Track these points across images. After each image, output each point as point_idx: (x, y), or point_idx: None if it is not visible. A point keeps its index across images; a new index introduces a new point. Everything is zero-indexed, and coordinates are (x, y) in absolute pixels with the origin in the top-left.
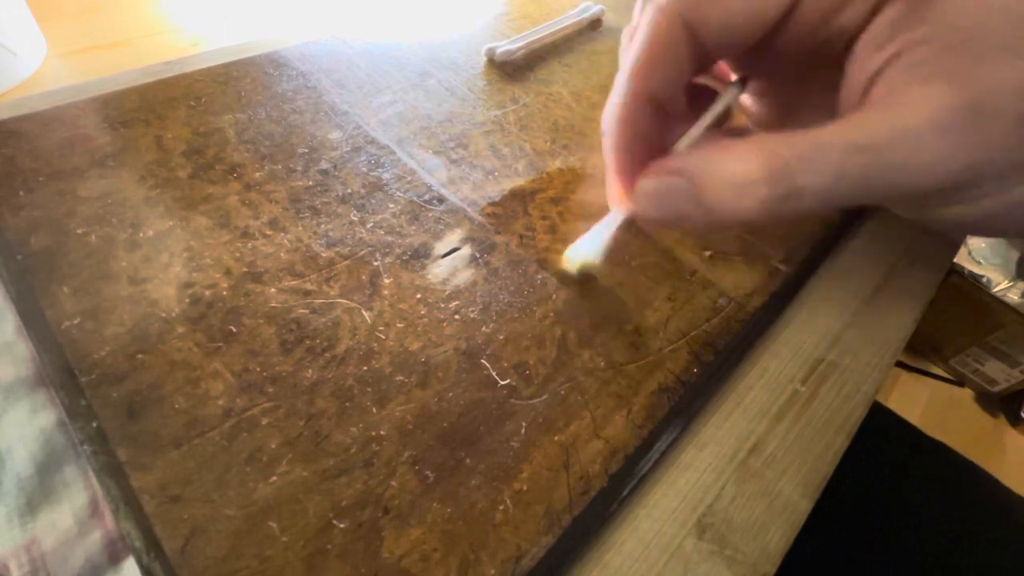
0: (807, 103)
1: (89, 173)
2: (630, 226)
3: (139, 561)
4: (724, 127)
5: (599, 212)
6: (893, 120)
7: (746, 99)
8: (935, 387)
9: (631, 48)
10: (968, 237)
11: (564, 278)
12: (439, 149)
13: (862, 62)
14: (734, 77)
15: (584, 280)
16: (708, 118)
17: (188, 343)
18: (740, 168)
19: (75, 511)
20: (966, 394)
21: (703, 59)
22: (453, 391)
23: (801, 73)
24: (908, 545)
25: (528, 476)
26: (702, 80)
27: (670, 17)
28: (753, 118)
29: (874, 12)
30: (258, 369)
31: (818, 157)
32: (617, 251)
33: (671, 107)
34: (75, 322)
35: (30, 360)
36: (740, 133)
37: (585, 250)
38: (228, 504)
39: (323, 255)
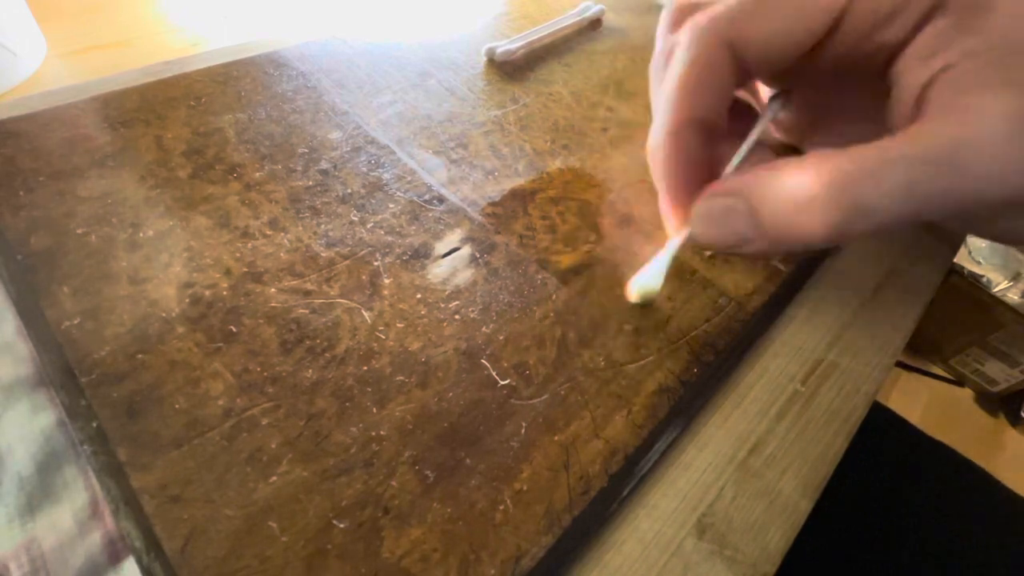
0: (839, 112)
1: (89, 173)
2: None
3: (139, 561)
4: (764, 143)
5: (598, 212)
6: (958, 129)
7: (783, 114)
8: (935, 387)
9: (670, 71)
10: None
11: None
12: (439, 149)
13: (910, 74)
14: (769, 91)
15: (644, 304)
16: (755, 135)
17: (188, 343)
18: (798, 184)
19: (75, 511)
20: (966, 394)
21: (745, 78)
22: (453, 391)
23: (840, 88)
24: (908, 545)
25: (528, 476)
26: (742, 96)
27: (712, 39)
28: (782, 127)
29: (919, 27)
30: (258, 369)
31: (885, 170)
32: (619, 250)
33: (715, 128)
34: (75, 322)
35: (30, 360)
36: (784, 150)
37: (647, 279)
38: (228, 504)
39: (323, 255)
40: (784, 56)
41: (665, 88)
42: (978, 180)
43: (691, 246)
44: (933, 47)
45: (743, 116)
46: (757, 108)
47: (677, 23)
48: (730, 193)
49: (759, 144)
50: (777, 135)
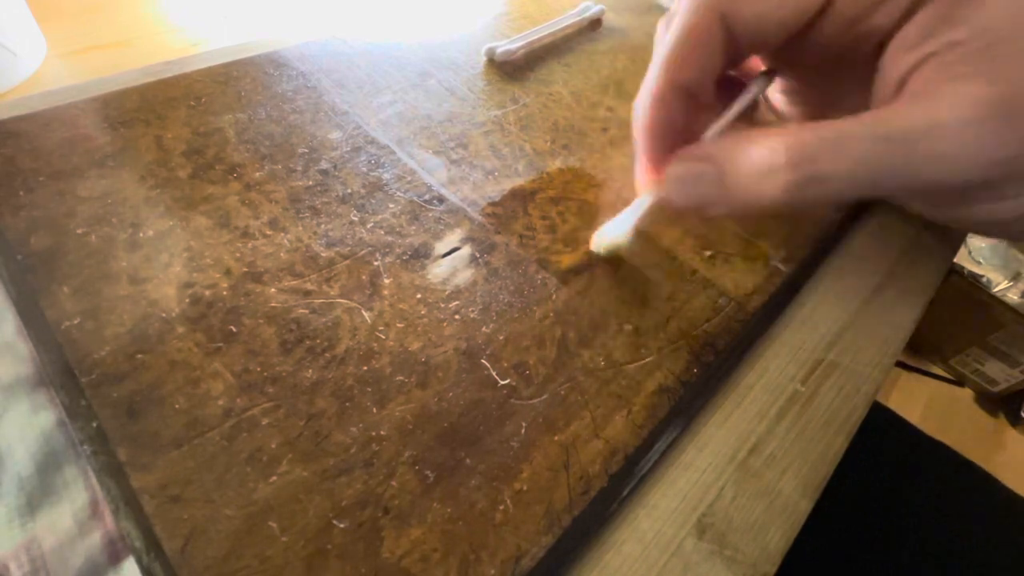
0: (838, 103)
1: (89, 173)
2: (657, 213)
3: (139, 561)
4: (753, 121)
5: (598, 212)
6: (925, 112)
7: (777, 98)
8: (935, 387)
9: (666, 37)
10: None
11: (594, 258)
12: (439, 149)
13: (895, 62)
14: (763, 69)
15: (611, 260)
16: (736, 108)
17: (188, 343)
18: (764, 152)
19: (75, 511)
20: (966, 394)
21: (736, 53)
22: (453, 391)
23: (832, 72)
24: (908, 545)
25: (528, 476)
26: (732, 73)
27: (707, 9)
28: (783, 117)
29: (907, 15)
30: (258, 369)
31: (842, 143)
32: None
33: (702, 98)
34: (75, 322)
35: (30, 360)
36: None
37: (614, 232)
38: (228, 504)
39: (323, 255)
40: (774, 34)
41: (657, 52)
42: (936, 162)
43: (692, 243)
44: (919, 36)
45: (735, 94)
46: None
47: None
48: (701, 157)
49: (748, 122)
50: (775, 119)
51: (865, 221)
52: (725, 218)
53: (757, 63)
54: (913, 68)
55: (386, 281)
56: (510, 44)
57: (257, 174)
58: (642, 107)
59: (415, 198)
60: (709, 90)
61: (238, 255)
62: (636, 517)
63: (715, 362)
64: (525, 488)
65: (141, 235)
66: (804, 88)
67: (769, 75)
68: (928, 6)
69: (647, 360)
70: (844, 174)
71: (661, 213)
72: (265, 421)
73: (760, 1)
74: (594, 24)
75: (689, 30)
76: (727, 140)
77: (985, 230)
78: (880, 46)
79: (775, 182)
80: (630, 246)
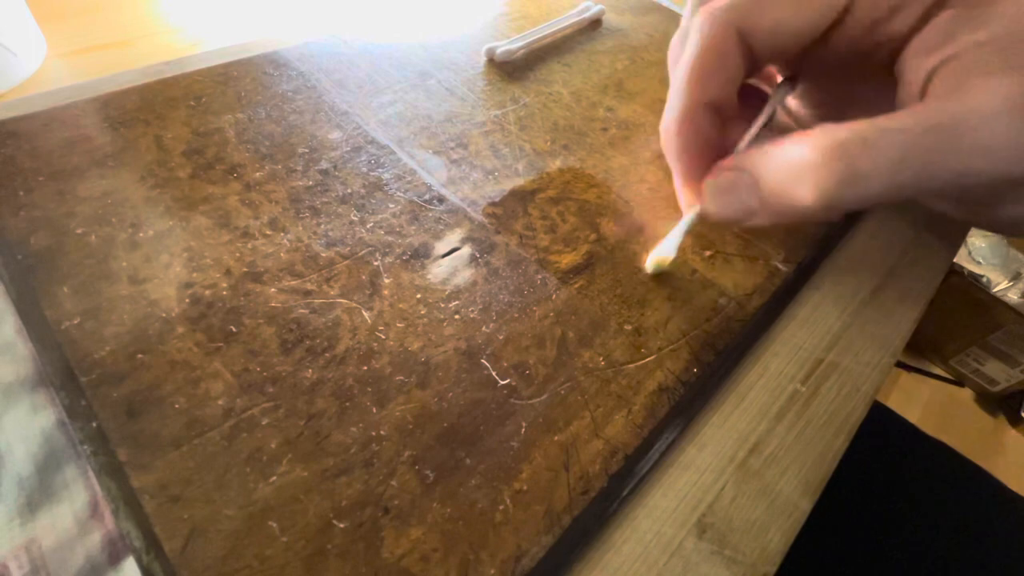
0: (855, 107)
1: (89, 173)
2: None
3: (139, 561)
4: (774, 129)
5: (598, 212)
6: (960, 106)
7: (794, 103)
8: (935, 387)
9: (684, 56)
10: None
11: (595, 258)
12: (439, 149)
13: (916, 65)
14: (780, 78)
15: (657, 276)
16: (763, 117)
17: (188, 343)
18: (796, 153)
19: (75, 511)
20: (966, 394)
21: (754, 64)
22: (453, 391)
23: (849, 77)
24: (908, 545)
25: (528, 476)
26: (753, 81)
27: (723, 26)
28: (801, 123)
29: (925, 19)
30: (258, 369)
31: (880, 139)
32: (620, 251)
33: (726, 111)
34: (75, 322)
35: (30, 360)
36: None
37: (663, 252)
38: (228, 504)
39: (323, 255)
40: (791, 44)
41: (678, 72)
42: (971, 155)
43: (692, 243)
44: (938, 39)
45: (755, 101)
46: (769, 93)
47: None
48: (736, 168)
49: (772, 130)
50: (793, 125)
51: (865, 221)
52: (769, 227)
53: (774, 70)
54: (935, 70)
55: (386, 281)
56: (510, 44)
57: (257, 174)
58: (671, 129)
59: (415, 198)
60: (733, 103)
61: (238, 255)
62: (636, 517)
63: (715, 362)
64: (525, 488)
65: (141, 235)
66: (821, 93)
67: (791, 81)
68: (946, 10)
69: (647, 360)
70: (884, 171)
71: (665, 209)
72: (265, 421)
73: (775, 12)
74: (594, 24)
75: (708, 48)
76: (759, 147)
77: (1020, 230)
78: (897, 51)
79: (811, 185)
80: (674, 262)
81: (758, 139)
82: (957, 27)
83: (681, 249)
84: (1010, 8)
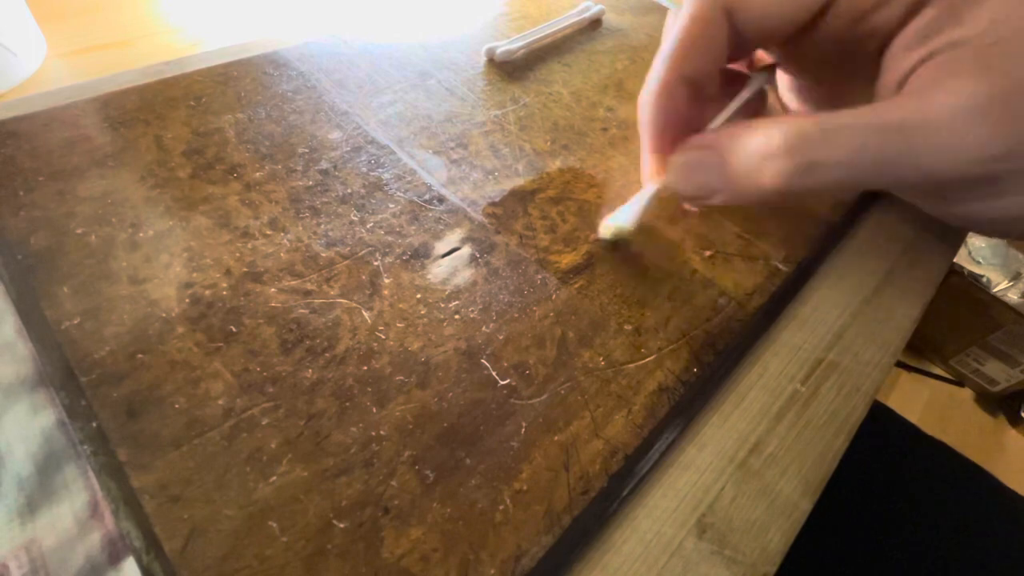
0: (845, 100)
1: (89, 173)
2: (660, 203)
3: (139, 561)
4: (760, 116)
5: (598, 212)
6: (924, 105)
7: (784, 95)
8: (935, 387)
9: (671, 30)
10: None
11: (597, 249)
12: (439, 149)
13: (897, 61)
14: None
15: (617, 246)
16: (738, 101)
17: (188, 343)
18: (762, 139)
19: (75, 511)
20: (966, 394)
21: (741, 46)
22: (453, 391)
23: (838, 70)
24: (908, 545)
25: (528, 476)
26: (735, 66)
27: (712, 3)
28: (788, 110)
29: (909, 15)
30: (258, 369)
31: (839, 132)
32: (618, 250)
33: (706, 90)
34: (75, 322)
35: (30, 360)
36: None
37: (620, 219)
38: (228, 504)
39: (323, 255)
40: (779, 27)
41: (663, 45)
42: (930, 153)
43: (692, 243)
44: (920, 36)
45: (738, 87)
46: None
47: None
48: (703, 146)
49: (748, 115)
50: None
51: (864, 221)
52: (728, 209)
53: (763, 56)
54: (914, 67)
55: (386, 281)
56: (510, 44)
57: (257, 174)
58: (647, 98)
59: (415, 198)
60: (714, 82)
61: (238, 255)
62: (636, 517)
63: (715, 362)
64: (525, 488)
65: (141, 235)
66: (812, 85)
67: (770, 69)
68: (930, 6)
69: (647, 360)
70: (842, 162)
71: (666, 208)
72: (265, 421)
73: None
74: (594, 24)
75: (694, 22)
76: (728, 128)
77: (987, 228)
78: (883, 45)
79: (773, 169)
80: (634, 234)
81: (730, 122)
82: (938, 25)
83: (679, 248)
84: (991, 9)
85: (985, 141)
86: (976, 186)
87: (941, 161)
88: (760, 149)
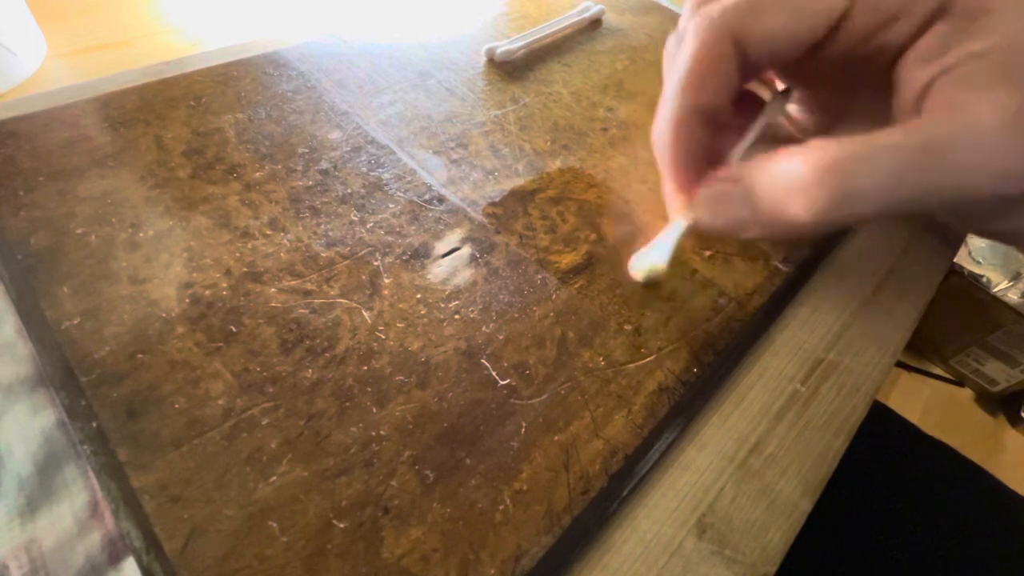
0: (852, 114)
1: (89, 173)
2: (691, 234)
3: (139, 561)
4: (772, 137)
5: (598, 212)
6: (956, 122)
7: (792, 109)
8: (935, 387)
9: (678, 60)
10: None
11: (595, 260)
12: (439, 149)
13: (912, 76)
14: (780, 85)
15: (649, 286)
16: (756, 130)
17: (188, 343)
18: (790, 169)
19: (75, 511)
20: (966, 394)
21: (750, 70)
22: (453, 391)
23: (847, 84)
24: (908, 544)
25: (528, 476)
26: (749, 86)
27: (718, 31)
28: (798, 128)
29: (923, 29)
30: (258, 369)
31: (875, 157)
32: (620, 251)
33: (720, 118)
34: (75, 322)
35: (30, 360)
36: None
37: (652, 258)
38: (228, 504)
39: (323, 255)
40: (787, 51)
41: (671, 77)
42: (967, 172)
43: (692, 243)
44: (936, 50)
45: (750, 106)
46: (766, 98)
47: (702, 3)
48: (730, 179)
49: (768, 140)
50: (792, 132)
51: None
52: (761, 238)
53: (772, 74)
54: (932, 81)
55: (386, 281)
56: (510, 44)
57: (257, 174)
58: (663, 134)
59: (415, 198)
60: (727, 109)
61: (238, 255)
62: (636, 517)
63: (715, 362)
64: (525, 488)
65: (141, 235)
66: (820, 101)
67: (785, 94)
68: (944, 20)
69: (647, 360)
70: (879, 189)
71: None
72: (265, 421)
73: (772, 19)
74: (594, 24)
75: (702, 54)
76: (754, 160)
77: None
78: (895, 59)
79: (804, 201)
80: (667, 272)
81: (751, 149)
82: (955, 38)
83: (678, 250)
84: (1010, 20)
85: (1019, 155)
86: (1014, 203)
87: (979, 176)
88: (788, 180)
